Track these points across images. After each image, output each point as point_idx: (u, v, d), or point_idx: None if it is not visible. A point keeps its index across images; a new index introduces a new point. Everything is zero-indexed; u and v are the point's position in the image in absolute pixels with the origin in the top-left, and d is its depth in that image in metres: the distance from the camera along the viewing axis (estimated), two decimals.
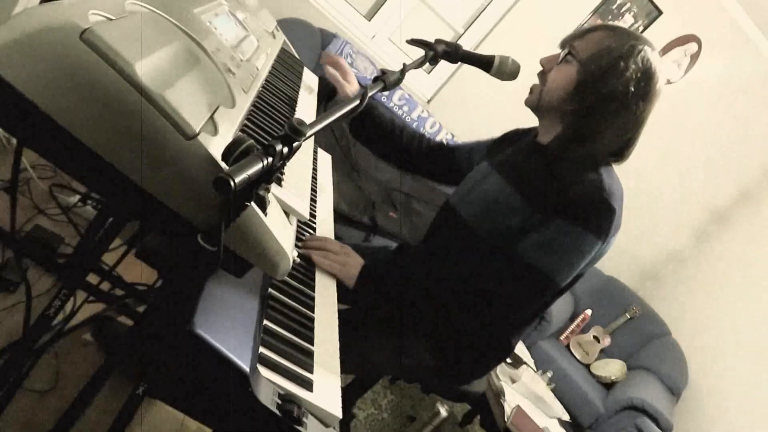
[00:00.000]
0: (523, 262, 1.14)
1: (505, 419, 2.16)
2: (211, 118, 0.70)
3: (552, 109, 1.22)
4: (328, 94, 1.50)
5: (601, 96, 1.14)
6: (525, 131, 1.41)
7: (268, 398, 0.69)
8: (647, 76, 1.15)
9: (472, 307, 1.18)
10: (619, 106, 1.14)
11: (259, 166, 0.59)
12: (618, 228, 1.16)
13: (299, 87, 1.42)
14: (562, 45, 1.23)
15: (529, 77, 1.30)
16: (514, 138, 1.43)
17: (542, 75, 1.25)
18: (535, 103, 1.25)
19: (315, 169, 1.52)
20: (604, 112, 1.15)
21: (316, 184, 1.46)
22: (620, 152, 1.21)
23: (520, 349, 2.73)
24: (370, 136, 1.53)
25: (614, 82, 1.13)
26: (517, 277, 1.15)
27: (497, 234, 1.22)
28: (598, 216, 1.11)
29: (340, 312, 1.04)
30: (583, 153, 1.17)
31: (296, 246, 1.12)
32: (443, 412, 2.13)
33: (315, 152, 1.59)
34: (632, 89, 1.14)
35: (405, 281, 1.22)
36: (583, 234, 1.11)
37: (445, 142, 1.60)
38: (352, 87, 1.47)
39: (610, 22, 3.35)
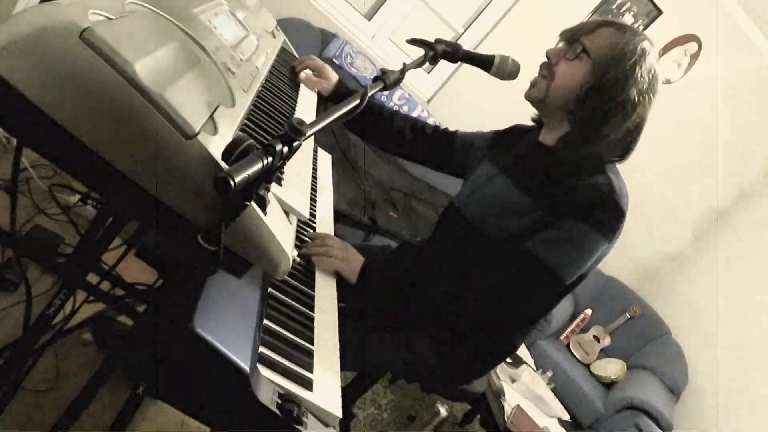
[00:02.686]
0: (531, 258, 1.14)
1: (505, 419, 2.16)
2: (211, 117, 0.70)
3: (559, 106, 1.20)
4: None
5: (616, 102, 1.14)
6: (526, 129, 1.40)
7: (268, 398, 0.69)
8: (654, 79, 1.16)
9: (478, 304, 1.17)
10: (630, 111, 1.15)
11: (259, 166, 0.59)
12: (622, 229, 1.16)
13: (299, 87, 1.42)
14: (568, 39, 1.20)
15: (529, 77, 1.28)
16: (516, 137, 1.41)
17: (548, 68, 1.21)
18: (541, 97, 1.22)
19: (315, 169, 1.52)
20: (617, 117, 1.15)
21: (316, 183, 1.46)
22: (624, 151, 1.21)
23: (520, 348, 2.73)
24: (360, 122, 1.52)
25: (630, 90, 1.13)
26: (524, 273, 1.15)
27: (505, 233, 1.21)
28: (608, 217, 1.12)
29: (340, 310, 1.04)
30: (589, 154, 1.17)
31: (296, 245, 1.12)
32: (443, 412, 2.13)
33: (315, 152, 1.59)
34: (644, 96, 1.15)
35: (408, 277, 1.22)
36: (592, 233, 1.11)
37: (442, 126, 1.57)
38: (330, 80, 1.47)
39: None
